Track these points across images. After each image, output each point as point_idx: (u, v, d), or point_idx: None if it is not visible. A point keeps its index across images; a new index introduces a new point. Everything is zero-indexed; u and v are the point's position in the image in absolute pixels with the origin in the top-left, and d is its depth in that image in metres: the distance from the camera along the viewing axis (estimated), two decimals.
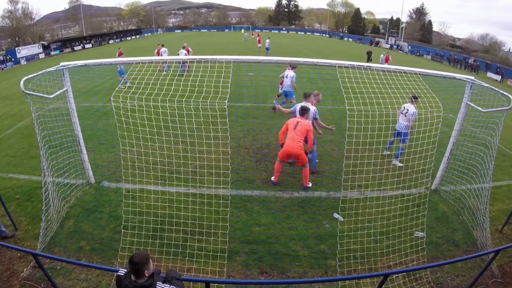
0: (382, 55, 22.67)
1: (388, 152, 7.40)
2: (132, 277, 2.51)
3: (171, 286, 2.53)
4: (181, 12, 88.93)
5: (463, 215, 5.50)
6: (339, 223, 5.19)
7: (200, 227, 4.98)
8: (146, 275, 2.49)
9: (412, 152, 6.07)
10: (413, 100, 6.88)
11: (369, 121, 4.82)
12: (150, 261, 2.53)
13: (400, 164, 6.88)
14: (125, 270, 2.62)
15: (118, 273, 2.67)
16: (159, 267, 4.28)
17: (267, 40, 27.44)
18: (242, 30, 52.77)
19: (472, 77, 5.46)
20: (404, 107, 7.03)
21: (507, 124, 5.50)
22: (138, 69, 4.99)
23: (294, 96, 10.29)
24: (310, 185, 6.36)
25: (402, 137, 7.07)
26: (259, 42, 30.26)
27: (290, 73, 10.10)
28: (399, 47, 50.21)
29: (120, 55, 15.59)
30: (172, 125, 5.20)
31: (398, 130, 7.13)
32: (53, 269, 4.27)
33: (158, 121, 4.94)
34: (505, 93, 4.91)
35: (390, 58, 21.87)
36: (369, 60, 25.60)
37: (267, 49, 26.53)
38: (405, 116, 7.06)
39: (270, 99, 11.40)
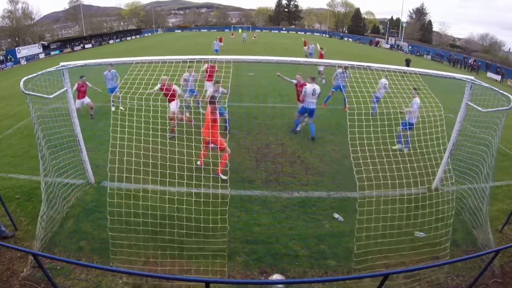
0: (316, 47, 21.96)
1: (401, 146, 7.42)
2: None
3: None
4: (181, 12, 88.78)
5: (463, 215, 5.50)
6: (339, 223, 5.18)
7: (200, 227, 4.98)
8: None
9: (413, 152, 6.06)
10: (414, 91, 7.04)
11: (369, 121, 4.81)
12: None
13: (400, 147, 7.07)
14: None
15: None
16: (159, 267, 4.28)
17: (215, 42, 25.99)
18: (240, 30, 52.58)
19: (472, 77, 5.45)
20: (414, 102, 7.18)
21: (507, 124, 5.49)
22: (138, 69, 4.98)
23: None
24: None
25: (409, 126, 7.22)
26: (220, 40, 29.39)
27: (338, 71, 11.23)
28: (399, 47, 50.20)
29: (80, 89, 9.11)
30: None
31: (413, 123, 7.20)
32: (53, 269, 4.27)
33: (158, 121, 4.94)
34: (505, 93, 4.90)
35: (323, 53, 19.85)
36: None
37: (215, 50, 25.11)
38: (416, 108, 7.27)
39: (270, 99, 11.40)
